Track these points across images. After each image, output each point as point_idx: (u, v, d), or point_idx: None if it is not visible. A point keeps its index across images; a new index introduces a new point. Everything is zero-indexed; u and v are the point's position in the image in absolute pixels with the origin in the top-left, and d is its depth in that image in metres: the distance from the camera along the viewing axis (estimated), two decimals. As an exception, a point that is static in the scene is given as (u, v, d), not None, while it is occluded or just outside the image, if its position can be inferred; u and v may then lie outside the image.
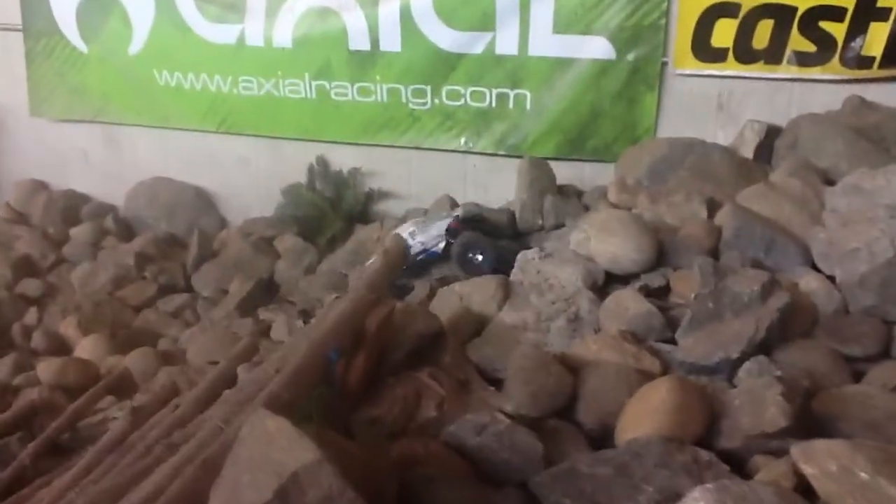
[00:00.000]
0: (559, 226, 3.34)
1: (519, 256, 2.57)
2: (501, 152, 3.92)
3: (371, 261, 3.14)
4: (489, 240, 3.10)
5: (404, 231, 3.31)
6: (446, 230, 3.16)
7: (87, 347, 3.17)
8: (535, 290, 2.42)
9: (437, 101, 3.92)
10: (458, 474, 1.62)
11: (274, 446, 1.29)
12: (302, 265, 3.85)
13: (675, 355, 2.03)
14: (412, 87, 3.92)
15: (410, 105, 3.96)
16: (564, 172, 3.75)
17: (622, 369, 1.90)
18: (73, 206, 4.55)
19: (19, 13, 4.45)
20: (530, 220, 3.46)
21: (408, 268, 3.09)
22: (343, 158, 4.20)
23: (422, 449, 1.64)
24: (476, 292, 2.45)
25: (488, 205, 3.91)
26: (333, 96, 4.04)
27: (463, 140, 3.95)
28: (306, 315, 2.55)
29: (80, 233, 4.28)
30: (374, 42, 3.90)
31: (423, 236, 3.19)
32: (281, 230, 4.11)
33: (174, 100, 4.32)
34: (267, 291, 3.74)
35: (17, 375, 2.95)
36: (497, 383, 2.05)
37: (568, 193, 3.60)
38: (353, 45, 3.93)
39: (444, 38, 3.80)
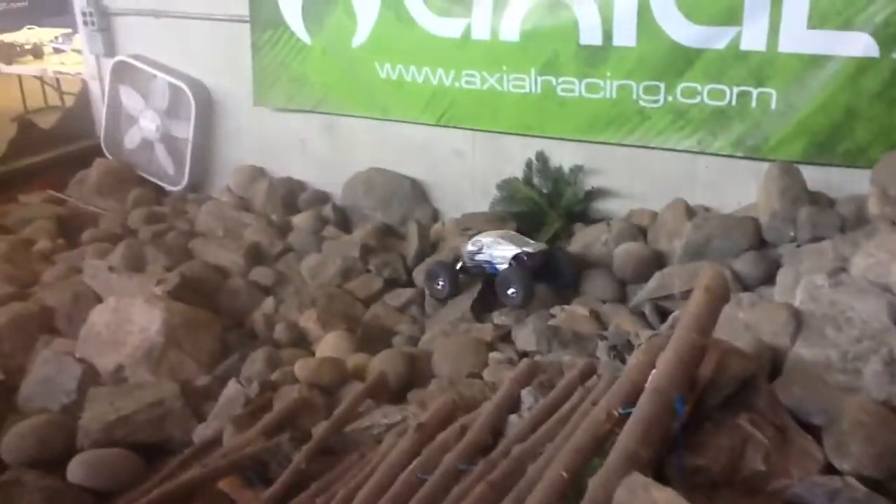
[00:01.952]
0: (815, 239, 3.11)
1: (804, 281, 2.40)
2: (738, 154, 3.70)
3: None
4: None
5: (492, 236, 3.61)
6: (513, 257, 3.45)
7: (330, 343, 3.23)
8: (831, 322, 2.25)
9: (670, 98, 3.74)
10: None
11: (669, 523, 1.21)
12: (525, 265, 3.78)
13: None
14: (644, 83, 3.76)
15: (641, 102, 3.80)
16: (809, 177, 3.49)
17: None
18: (291, 193, 4.70)
19: (247, 6, 4.59)
20: (781, 230, 3.25)
21: (463, 268, 3.61)
22: (563, 155, 4.10)
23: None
24: (765, 321, 2.30)
25: (719, 209, 3.74)
26: (559, 92, 3.94)
27: (696, 140, 3.75)
28: (616, 351, 2.48)
29: (302, 221, 4.40)
30: (607, 36, 3.76)
31: (498, 250, 3.51)
32: (499, 225, 4.06)
33: (395, 92, 4.34)
34: (490, 290, 3.71)
35: (272, 371, 3.05)
36: (809, 429, 1.91)
37: (822, 203, 3.35)
38: (583, 40, 3.81)
39: (684, 32, 3.61)
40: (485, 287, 3.54)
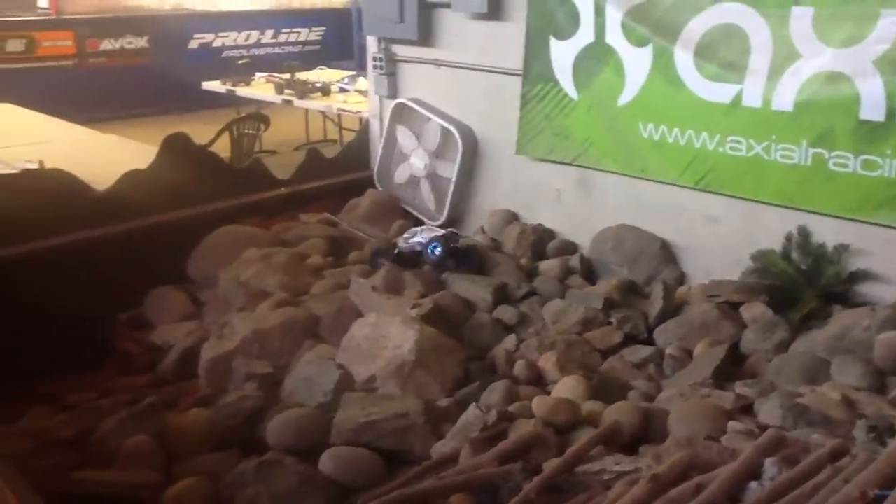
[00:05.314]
0: None
1: None
2: None
3: None
4: None
5: (416, 230, 4.68)
6: (435, 237, 4.48)
7: (566, 387, 3.32)
8: None
9: (958, 183, 3.49)
10: None
11: None
12: (772, 340, 3.66)
13: None
14: (929, 164, 3.54)
15: (923, 184, 3.57)
16: None
17: None
18: (541, 240, 4.87)
19: (521, 60, 4.87)
20: None
21: (400, 253, 4.53)
22: (827, 232, 3.92)
23: None
24: None
25: None
26: (831, 166, 3.79)
27: (984, 231, 3.46)
28: (876, 432, 2.38)
29: (548, 267, 4.55)
30: (891, 113, 3.57)
31: (423, 235, 4.52)
32: (749, 297, 3.95)
33: (654, 152, 4.39)
34: (732, 361, 3.62)
35: (509, 403, 3.19)
36: None
37: None
38: (864, 114, 3.64)
39: (982, 113, 3.37)
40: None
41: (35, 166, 5.47)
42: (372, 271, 4.44)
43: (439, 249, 4.39)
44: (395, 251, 4.55)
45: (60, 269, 4.26)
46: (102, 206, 4.55)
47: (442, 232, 4.56)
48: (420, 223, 5.47)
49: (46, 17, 13.39)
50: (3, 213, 4.17)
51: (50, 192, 4.41)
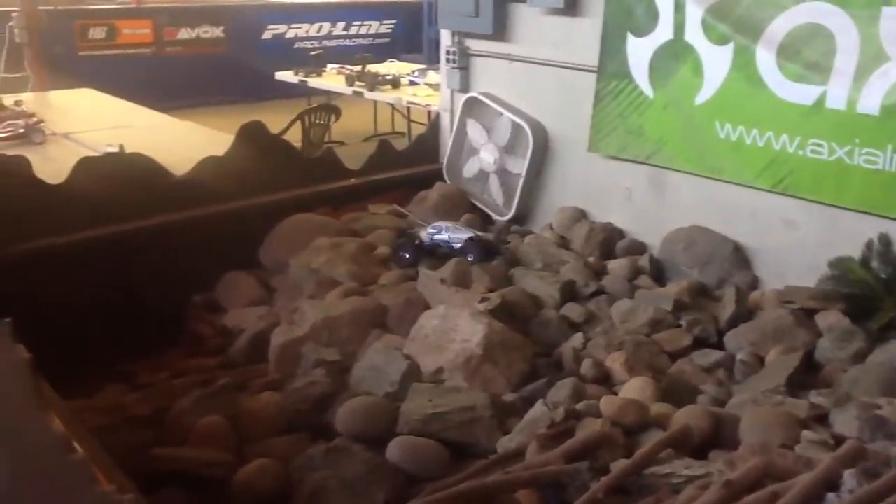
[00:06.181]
0: None
1: None
2: None
3: None
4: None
5: (442, 226, 4.65)
6: (468, 238, 4.53)
7: (634, 388, 3.29)
8: None
9: None
10: None
11: None
12: (849, 349, 3.56)
13: None
14: None
15: None
16: None
17: None
18: (609, 239, 4.83)
19: (595, 57, 4.83)
20: None
21: (421, 245, 4.60)
22: (911, 240, 3.81)
23: None
24: None
25: None
26: (917, 173, 3.68)
27: None
28: None
29: (617, 267, 4.51)
30: (984, 119, 3.45)
31: (452, 234, 4.56)
32: (825, 305, 3.86)
33: (731, 153, 4.31)
34: (806, 370, 3.54)
35: (577, 401, 3.17)
36: None
37: None
38: (954, 120, 3.53)
39: None
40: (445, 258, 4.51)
41: (116, 150, 5.62)
42: (440, 264, 4.45)
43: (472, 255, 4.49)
44: (417, 243, 4.59)
45: (139, 251, 4.40)
46: (181, 191, 4.67)
47: (469, 234, 4.56)
48: (488, 218, 5.48)
49: (127, 6, 13.80)
50: (85, 194, 4.31)
51: (131, 176, 4.54)
